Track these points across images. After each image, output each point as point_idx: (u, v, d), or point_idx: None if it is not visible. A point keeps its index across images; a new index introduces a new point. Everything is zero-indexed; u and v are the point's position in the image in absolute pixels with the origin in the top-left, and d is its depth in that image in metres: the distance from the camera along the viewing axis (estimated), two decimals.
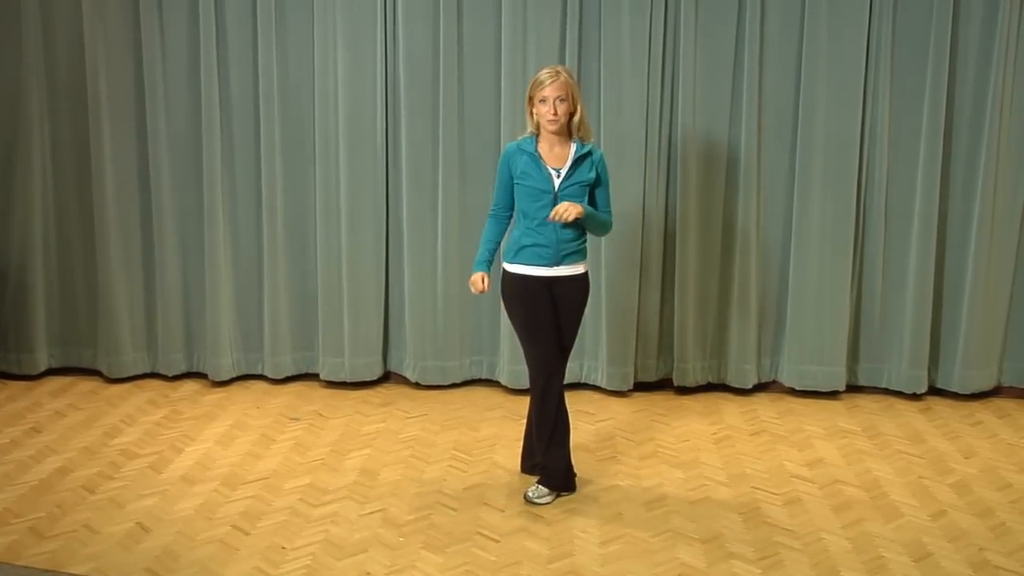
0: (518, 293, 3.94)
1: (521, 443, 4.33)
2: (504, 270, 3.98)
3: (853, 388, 5.39)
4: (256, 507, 3.97)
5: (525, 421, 4.27)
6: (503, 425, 4.89)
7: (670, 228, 5.26)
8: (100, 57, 5.19)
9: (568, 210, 3.79)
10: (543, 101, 3.84)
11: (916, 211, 5.14)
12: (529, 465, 4.21)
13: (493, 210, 4.04)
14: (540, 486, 4.05)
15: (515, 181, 3.93)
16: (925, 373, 5.26)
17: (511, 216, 4.03)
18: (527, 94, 3.94)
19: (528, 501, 4.00)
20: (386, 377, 5.54)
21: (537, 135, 3.94)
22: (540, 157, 3.91)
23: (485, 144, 5.19)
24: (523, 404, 5.03)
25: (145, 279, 5.45)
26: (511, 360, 5.24)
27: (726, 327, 5.32)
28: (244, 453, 4.53)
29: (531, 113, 3.93)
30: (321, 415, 5.05)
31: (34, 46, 5.24)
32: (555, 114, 3.83)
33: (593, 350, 5.35)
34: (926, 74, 5.03)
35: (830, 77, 5.07)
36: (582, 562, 3.56)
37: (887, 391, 5.37)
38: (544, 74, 3.86)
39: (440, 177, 5.20)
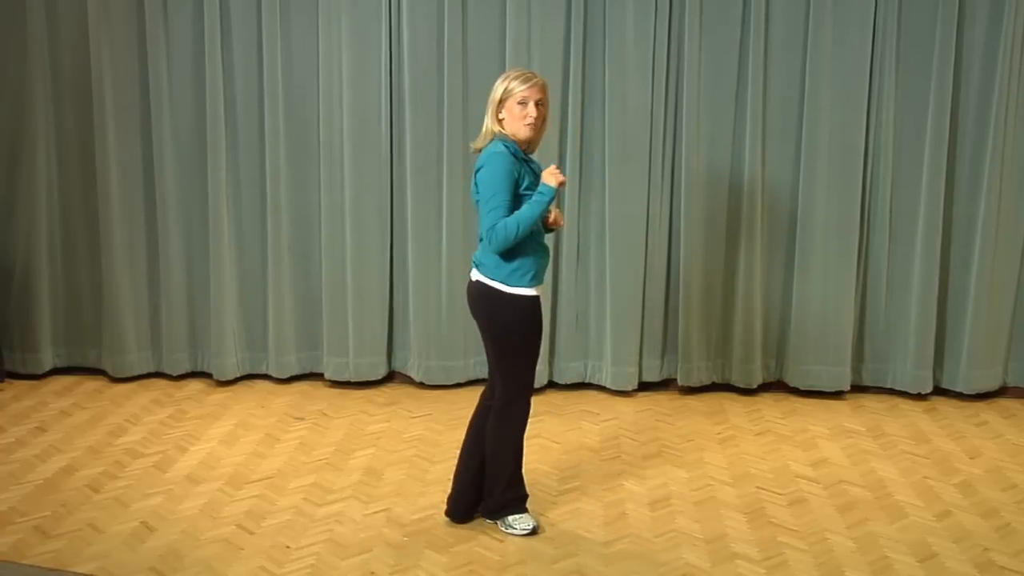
0: (536, 318, 3.61)
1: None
2: (518, 295, 3.55)
3: (858, 388, 5.38)
4: (260, 506, 3.98)
5: (467, 464, 3.81)
6: None
7: (674, 228, 5.25)
8: (105, 57, 5.20)
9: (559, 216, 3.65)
10: (523, 103, 3.50)
11: (921, 212, 5.14)
12: (486, 509, 3.81)
13: (503, 213, 3.47)
14: (519, 515, 3.77)
15: (520, 192, 3.51)
16: (930, 373, 5.26)
17: None
18: (496, 96, 3.54)
19: (515, 533, 3.75)
20: (390, 377, 5.54)
21: (512, 140, 3.56)
22: (533, 164, 3.61)
23: None
24: None
25: (149, 279, 5.46)
26: None
27: (730, 327, 5.32)
28: (248, 452, 4.53)
29: (498, 118, 3.55)
30: (325, 415, 5.05)
31: (39, 46, 5.25)
32: (537, 116, 3.51)
33: (597, 350, 5.35)
34: (931, 76, 5.03)
35: (835, 79, 5.06)
36: (586, 562, 3.56)
37: (892, 391, 5.37)
38: (516, 76, 3.53)
39: (445, 176, 5.20)
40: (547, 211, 3.58)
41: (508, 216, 3.46)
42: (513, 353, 3.64)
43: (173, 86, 5.28)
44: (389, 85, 5.19)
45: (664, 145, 5.18)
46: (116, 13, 5.20)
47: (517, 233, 3.46)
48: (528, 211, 3.48)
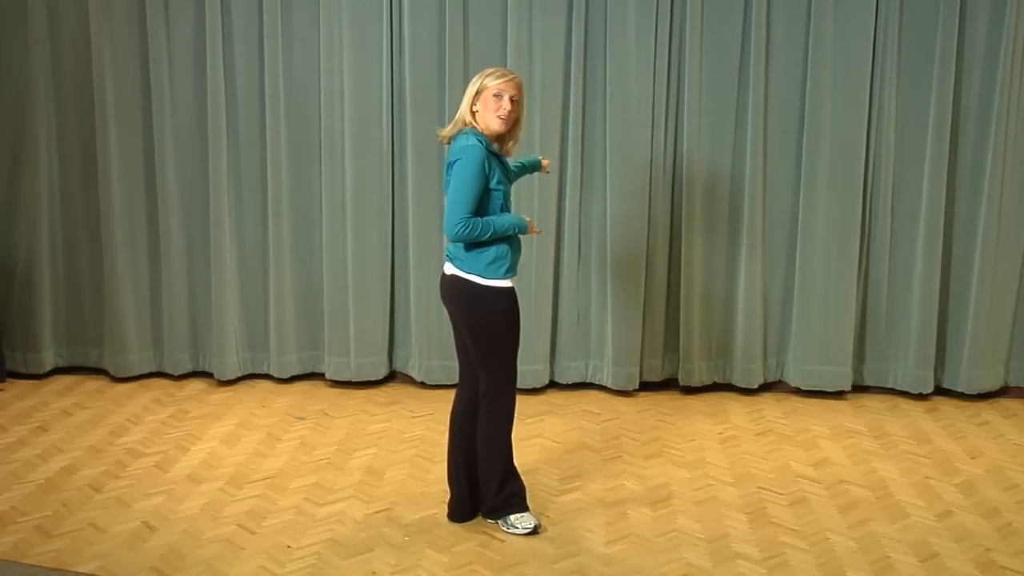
0: (515, 309, 3.67)
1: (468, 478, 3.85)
2: (495, 287, 3.61)
3: (859, 388, 5.38)
4: (262, 506, 3.98)
5: (456, 464, 3.82)
6: None
7: (676, 228, 5.26)
8: (106, 57, 5.20)
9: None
10: (498, 96, 3.56)
11: (922, 211, 5.14)
12: (486, 508, 3.83)
13: (472, 215, 3.53)
14: (521, 514, 3.78)
15: (491, 187, 3.57)
16: (931, 373, 5.25)
17: None
18: (473, 89, 3.60)
19: (516, 533, 3.76)
20: (391, 376, 5.54)
21: (483, 134, 3.61)
22: (504, 157, 3.69)
23: None
24: (529, 404, 5.05)
25: (151, 278, 5.46)
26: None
27: (732, 327, 5.32)
28: (250, 452, 4.54)
29: (472, 110, 3.61)
30: (327, 414, 5.05)
31: (40, 46, 5.25)
32: (510, 111, 3.57)
33: (598, 350, 5.35)
34: (932, 75, 5.02)
35: (836, 77, 5.06)
36: (588, 562, 3.56)
37: (893, 391, 5.36)
38: (498, 71, 3.61)
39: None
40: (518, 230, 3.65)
41: (472, 212, 3.52)
42: (494, 346, 3.68)
43: (174, 86, 5.28)
44: (390, 85, 5.19)
45: (665, 145, 5.18)
46: (117, 13, 5.20)
47: (485, 237, 3.55)
48: (503, 225, 3.58)
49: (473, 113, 3.62)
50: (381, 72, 5.18)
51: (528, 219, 3.70)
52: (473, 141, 3.57)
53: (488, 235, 3.55)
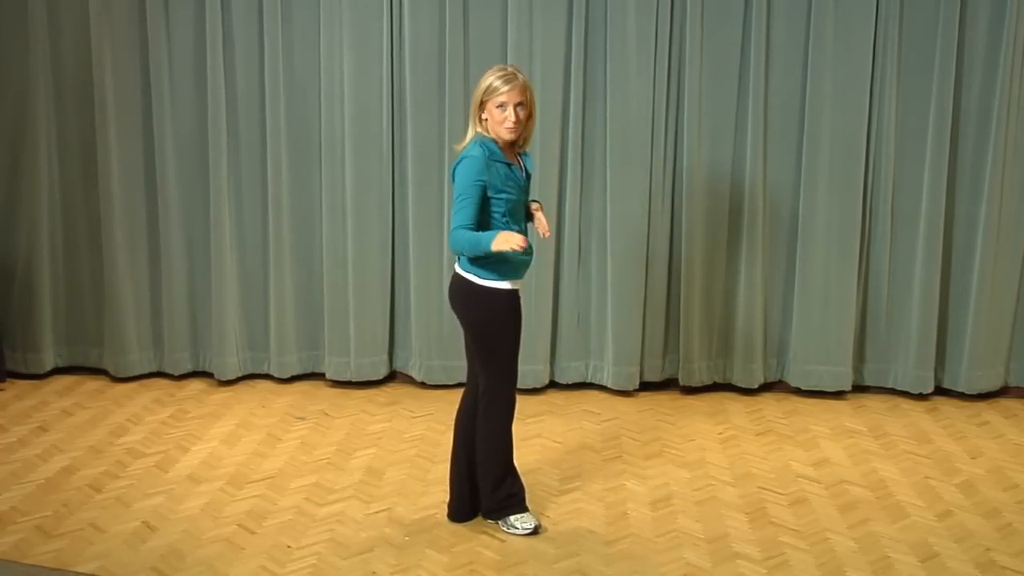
0: (514, 309, 3.66)
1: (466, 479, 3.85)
2: (492, 288, 3.59)
3: (859, 388, 5.38)
4: (262, 506, 3.98)
5: (458, 464, 3.83)
6: None
7: (676, 228, 5.25)
8: (106, 57, 5.20)
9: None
10: (502, 107, 3.50)
11: (922, 212, 5.14)
12: (485, 508, 3.83)
13: (466, 227, 3.48)
14: (521, 515, 3.79)
15: (492, 195, 3.53)
16: (931, 373, 5.25)
17: None
18: (478, 98, 3.56)
19: (516, 533, 3.77)
20: (392, 376, 5.54)
21: (494, 140, 3.58)
22: (514, 165, 3.62)
23: None
24: (529, 404, 5.05)
25: (151, 278, 5.46)
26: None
27: (732, 327, 5.32)
28: (250, 452, 4.54)
29: (480, 118, 3.57)
30: (327, 414, 5.05)
31: (40, 46, 5.24)
32: (516, 120, 3.52)
33: (599, 350, 5.35)
34: (932, 76, 5.02)
35: (836, 79, 5.06)
36: (588, 562, 3.56)
37: (893, 391, 5.36)
38: (498, 77, 3.51)
39: (446, 177, 5.20)
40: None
41: (472, 221, 3.48)
42: (492, 346, 3.67)
43: (174, 86, 5.28)
44: (391, 85, 5.19)
45: (665, 145, 5.18)
46: (117, 13, 5.20)
47: (466, 251, 3.51)
48: (484, 243, 3.43)
49: (483, 121, 3.58)
50: (381, 72, 5.17)
51: (509, 237, 3.40)
52: (476, 152, 3.52)
53: (472, 251, 3.49)
